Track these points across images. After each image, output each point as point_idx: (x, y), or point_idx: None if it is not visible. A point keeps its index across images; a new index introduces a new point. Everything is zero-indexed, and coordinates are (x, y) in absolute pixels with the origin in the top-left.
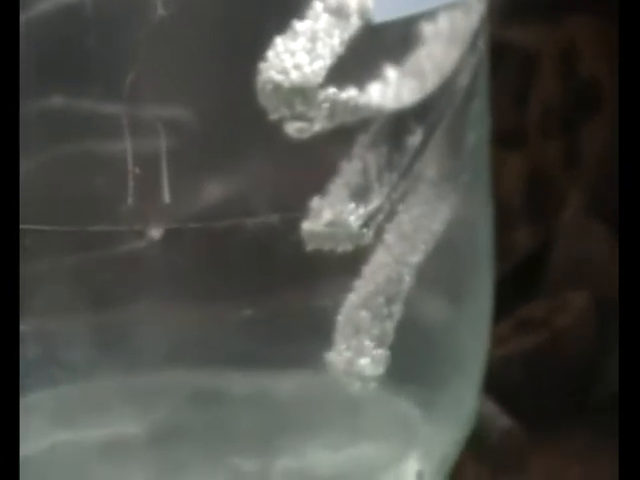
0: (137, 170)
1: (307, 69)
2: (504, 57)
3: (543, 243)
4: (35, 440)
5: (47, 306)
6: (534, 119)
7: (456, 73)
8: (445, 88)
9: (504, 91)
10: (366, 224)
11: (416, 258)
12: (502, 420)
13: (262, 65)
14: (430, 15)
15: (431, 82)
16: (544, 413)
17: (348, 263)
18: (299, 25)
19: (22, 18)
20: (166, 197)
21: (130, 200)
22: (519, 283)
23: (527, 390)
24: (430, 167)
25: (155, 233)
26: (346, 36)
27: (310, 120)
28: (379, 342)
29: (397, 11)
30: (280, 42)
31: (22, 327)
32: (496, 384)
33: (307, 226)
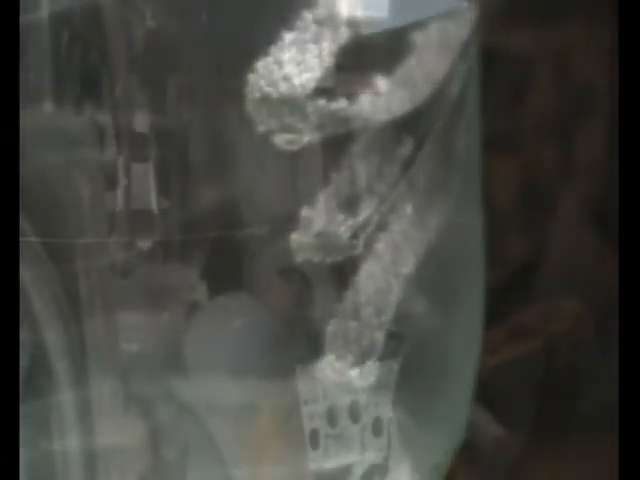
0: (126, 181)
1: (296, 80)
2: (499, 63)
3: (537, 249)
4: (27, 449)
5: (37, 316)
6: (528, 125)
7: (447, 82)
8: (436, 97)
9: (499, 97)
10: (356, 235)
11: (406, 268)
12: (495, 428)
13: (251, 76)
14: (421, 24)
15: (422, 91)
16: (538, 420)
17: (338, 274)
18: (288, 36)
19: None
20: (155, 208)
21: (119, 211)
22: (513, 290)
23: (521, 397)
24: (421, 176)
25: (144, 244)
26: (335, 47)
27: (299, 131)
28: (369, 352)
29: (387, 21)
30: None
31: None
32: (490, 391)
33: (296, 237)
